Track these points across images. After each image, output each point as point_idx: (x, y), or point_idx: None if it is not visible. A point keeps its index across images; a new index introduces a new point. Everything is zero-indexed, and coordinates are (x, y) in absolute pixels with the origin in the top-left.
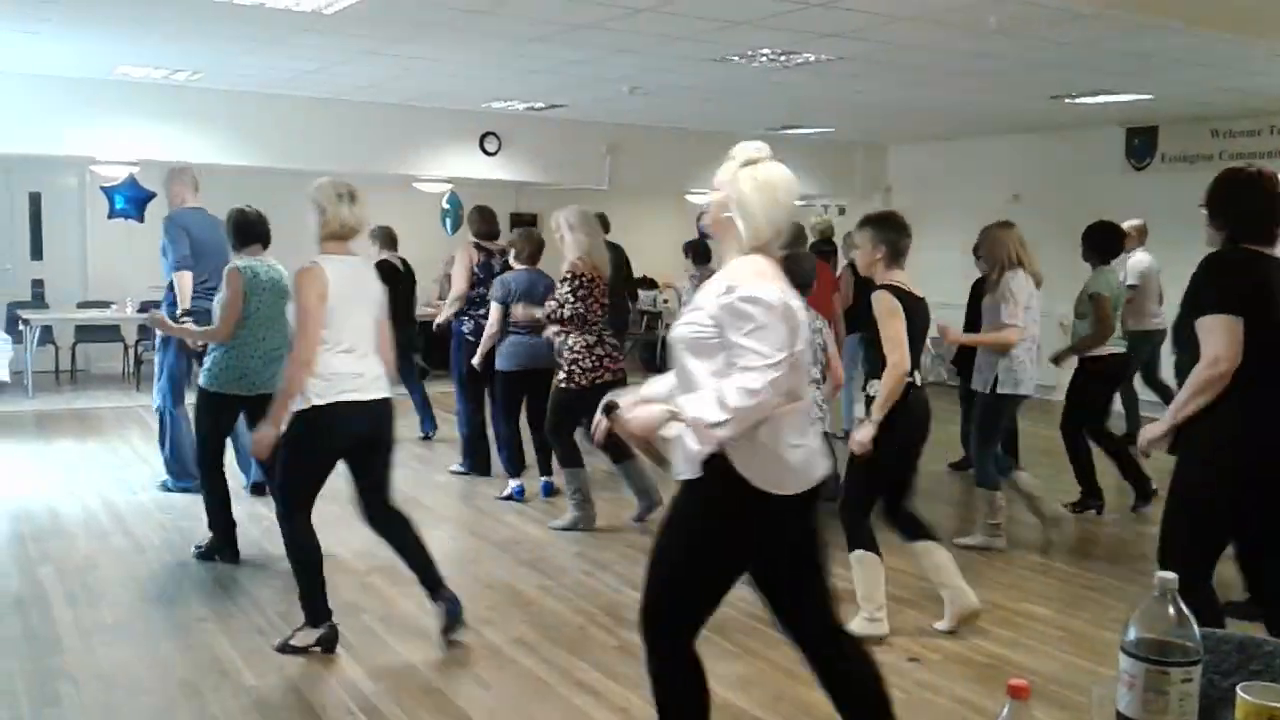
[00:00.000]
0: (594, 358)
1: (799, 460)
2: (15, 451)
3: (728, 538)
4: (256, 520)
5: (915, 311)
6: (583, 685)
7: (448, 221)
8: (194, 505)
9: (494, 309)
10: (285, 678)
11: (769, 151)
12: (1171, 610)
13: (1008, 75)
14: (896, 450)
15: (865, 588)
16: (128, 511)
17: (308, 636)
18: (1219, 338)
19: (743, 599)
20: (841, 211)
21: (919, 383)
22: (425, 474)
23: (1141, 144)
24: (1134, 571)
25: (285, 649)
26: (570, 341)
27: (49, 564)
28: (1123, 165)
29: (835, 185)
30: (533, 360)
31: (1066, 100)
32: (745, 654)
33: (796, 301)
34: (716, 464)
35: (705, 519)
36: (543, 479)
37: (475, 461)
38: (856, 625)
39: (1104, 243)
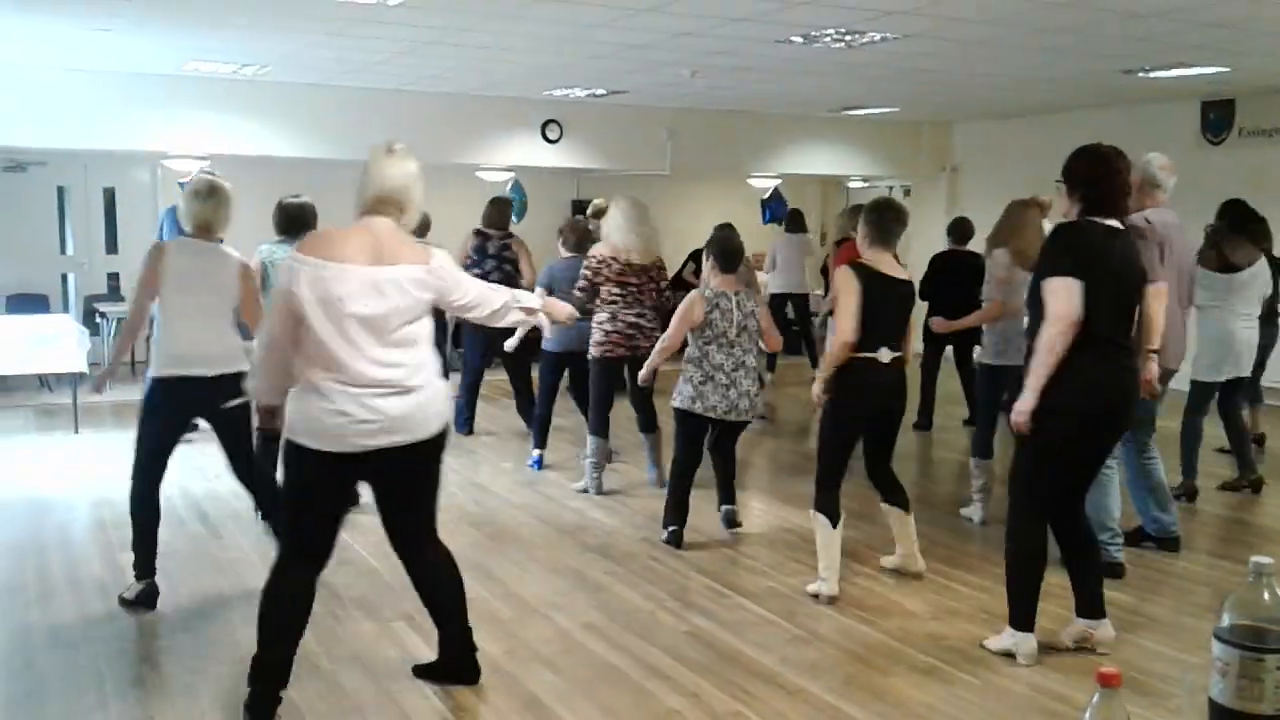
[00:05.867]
0: (602, 332)
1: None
2: (94, 441)
3: None
4: None
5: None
6: (653, 670)
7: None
8: None
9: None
10: (359, 661)
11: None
12: (1267, 595)
13: (1078, 50)
14: (848, 418)
15: (820, 550)
16: (204, 498)
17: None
18: (1059, 298)
19: (810, 584)
20: (907, 193)
21: (885, 359)
22: (492, 460)
23: (1217, 118)
24: (1215, 557)
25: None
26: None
27: (130, 551)
28: (1198, 140)
29: (900, 166)
30: (570, 343)
31: (1140, 74)
32: (814, 639)
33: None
34: None
35: None
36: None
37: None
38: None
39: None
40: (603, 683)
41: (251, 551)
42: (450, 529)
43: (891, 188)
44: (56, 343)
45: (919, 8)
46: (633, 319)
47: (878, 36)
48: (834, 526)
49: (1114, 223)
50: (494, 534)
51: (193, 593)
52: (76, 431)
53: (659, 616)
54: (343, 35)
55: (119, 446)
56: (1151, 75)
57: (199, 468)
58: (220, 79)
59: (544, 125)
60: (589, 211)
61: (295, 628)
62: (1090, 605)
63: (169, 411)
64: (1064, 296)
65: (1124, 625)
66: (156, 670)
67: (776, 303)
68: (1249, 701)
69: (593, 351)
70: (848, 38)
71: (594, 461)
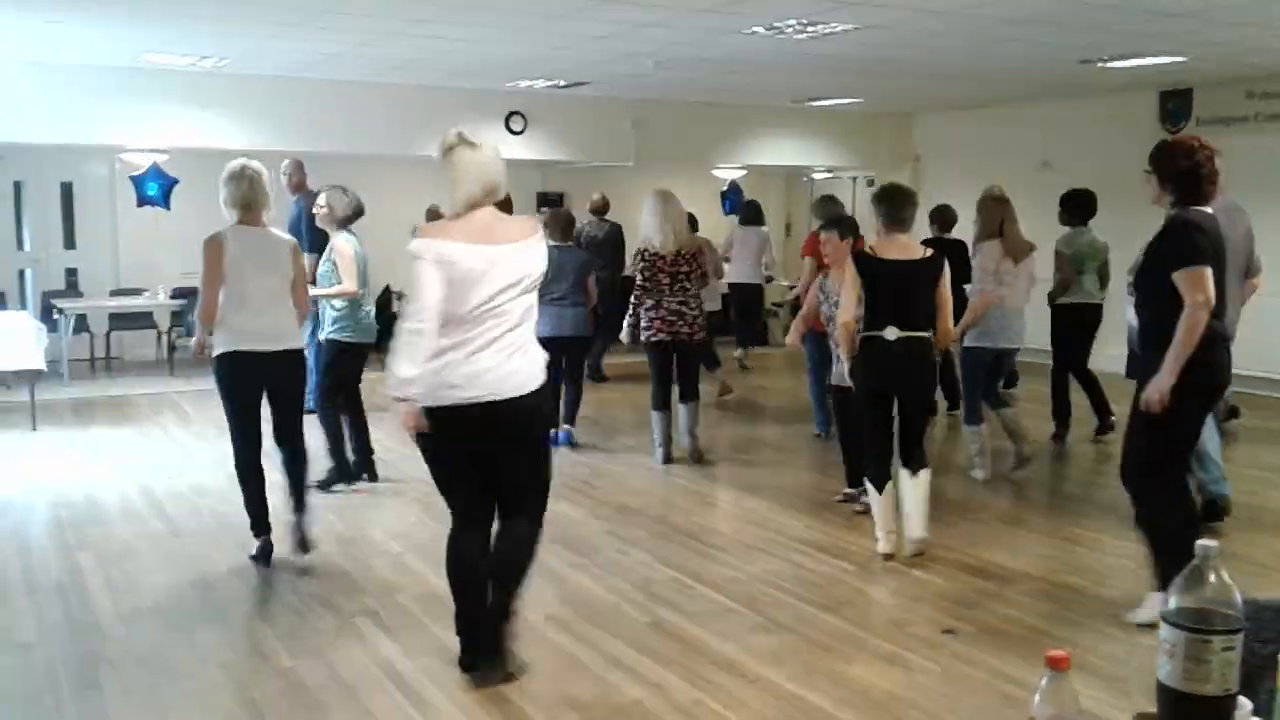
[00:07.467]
0: (648, 319)
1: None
2: (53, 439)
3: None
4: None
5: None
6: (615, 661)
7: None
8: (230, 490)
9: None
10: (321, 658)
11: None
12: (1212, 578)
13: (1036, 40)
14: (864, 393)
15: (875, 516)
16: (164, 497)
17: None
18: (1202, 285)
19: (772, 573)
20: (870, 183)
21: (891, 337)
22: None
23: (1175, 107)
24: None
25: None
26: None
27: (88, 550)
28: (1156, 129)
29: (864, 156)
30: (560, 329)
31: (1098, 64)
32: (776, 628)
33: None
34: None
35: None
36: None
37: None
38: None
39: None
40: (565, 674)
41: (211, 549)
42: (414, 522)
43: (855, 178)
44: (14, 340)
45: None
46: (675, 305)
47: (839, 27)
48: (879, 492)
49: (1206, 209)
50: None
51: (152, 591)
52: (34, 429)
53: (622, 608)
54: (302, 26)
55: (77, 445)
56: (1109, 65)
57: (158, 465)
58: (177, 71)
59: (508, 117)
60: (589, 207)
61: (473, 587)
62: None
63: (243, 383)
64: (1206, 284)
65: (1074, 608)
66: (116, 670)
67: (732, 293)
68: (1195, 683)
69: (641, 336)
70: (810, 28)
71: (654, 437)
